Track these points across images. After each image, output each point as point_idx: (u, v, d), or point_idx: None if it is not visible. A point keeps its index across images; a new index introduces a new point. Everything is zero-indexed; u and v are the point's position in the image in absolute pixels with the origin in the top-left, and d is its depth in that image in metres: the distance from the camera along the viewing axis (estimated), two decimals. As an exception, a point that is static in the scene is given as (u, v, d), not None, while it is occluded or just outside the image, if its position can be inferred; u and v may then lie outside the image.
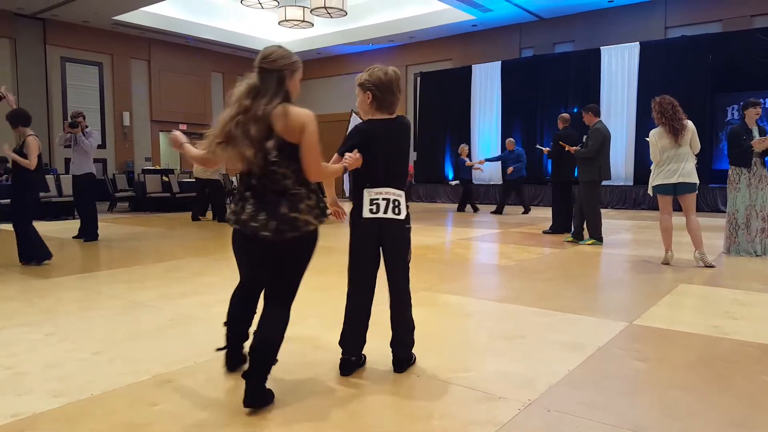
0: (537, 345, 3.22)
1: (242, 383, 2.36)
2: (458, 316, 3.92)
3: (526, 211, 11.89)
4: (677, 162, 5.53)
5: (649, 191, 5.76)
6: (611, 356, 3.04)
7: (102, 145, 15.71)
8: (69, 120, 7.83)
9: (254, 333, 2.40)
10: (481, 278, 5.35)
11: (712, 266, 5.59)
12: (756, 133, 6.13)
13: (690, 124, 5.58)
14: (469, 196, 12.83)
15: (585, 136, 7.28)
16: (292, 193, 2.34)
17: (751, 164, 6.16)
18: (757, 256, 6.17)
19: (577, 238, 7.42)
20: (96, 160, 15.32)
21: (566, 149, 7.42)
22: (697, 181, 5.62)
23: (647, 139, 6.50)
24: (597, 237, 7.27)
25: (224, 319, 2.75)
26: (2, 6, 13.01)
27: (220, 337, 3.30)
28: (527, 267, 5.74)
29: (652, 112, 5.68)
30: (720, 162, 12.05)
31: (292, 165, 2.34)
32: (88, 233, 7.82)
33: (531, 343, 3.25)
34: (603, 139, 7.00)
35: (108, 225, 10.21)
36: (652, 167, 5.74)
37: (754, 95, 11.49)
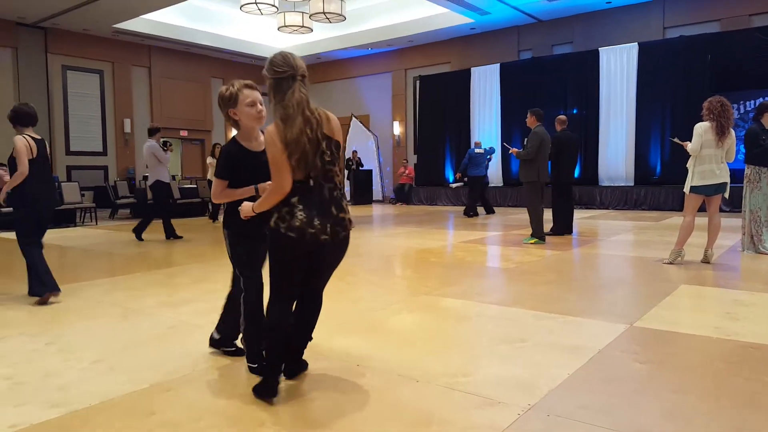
0: (537, 348, 3.20)
1: (241, 391, 2.36)
2: (459, 320, 3.90)
3: (470, 213, 11.92)
4: (716, 163, 5.55)
5: (686, 190, 5.73)
6: (612, 359, 3.02)
7: (103, 152, 15.76)
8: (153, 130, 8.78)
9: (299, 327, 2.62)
10: (481, 281, 5.33)
11: (707, 262, 5.75)
12: None
13: (733, 133, 5.62)
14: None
15: (525, 139, 7.71)
16: (342, 193, 2.53)
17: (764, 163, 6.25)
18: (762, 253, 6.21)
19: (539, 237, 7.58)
20: (97, 167, 15.49)
21: (510, 151, 8.00)
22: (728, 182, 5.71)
23: (672, 139, 6.59)
24: (539, 236, 7.49)
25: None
26: (4, 15, 13.07)
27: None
28: (528, 269, 5.72)
29: (702, 111, 5.69)
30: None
31: (338, 163, 2.51)
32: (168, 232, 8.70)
33: (531, 347, 3.24)
34: (541, 142, 7.35)
35: (109, 232, 10.23)
36: (689, 163, 5.71)
37: (753, 94, 11.59)
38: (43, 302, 4.52)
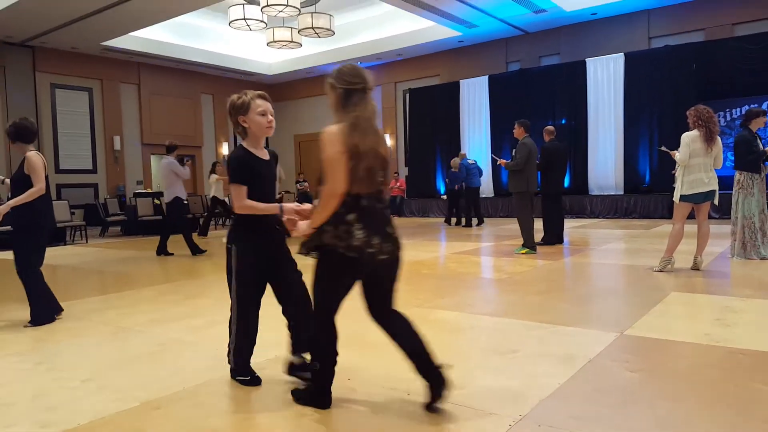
0: (528, 359, 3.21)
1: (233, 409, 2.43)
2: (451, 332, 3.90)
3: (470, 224, 12.14)
4: (705, 171, 5.58)
5: (675, 199, 5.75)
6: (602, 368, 3.03)
7: (93, 170, 15.70)
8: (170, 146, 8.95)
9: (410, 342, 2.55)
10: (474, 293, 5.33)
11: (697, 269, 5.79)
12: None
13: (720, 140, 5.67)
14: (458, 210, 12.84)
15: (514, 150, 7.83)
16: (389, 212, 2.54)
17: (761, 169, 6.32)
18: (764, 259, 6.27)
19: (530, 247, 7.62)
20: (87, 185, 15.42)
21: (498, 163, 8.18)
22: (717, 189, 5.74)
23: (660, 148, 6.64)
24: (530, 246, 7.54)
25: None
26: (-9, 35, 13.06)
27: (210, 361, 3.28)
28: (519, 280, 5.74)
29: (687, 119, 5.73)
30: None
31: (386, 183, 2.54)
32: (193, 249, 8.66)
33: (523, 358, 3.24)
34: (529, 152, 7.42)
35: (99, 250, 10.16)
36: (677, 171, 5.75)
37: (739, 102, 11.75)
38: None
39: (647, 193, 13.01)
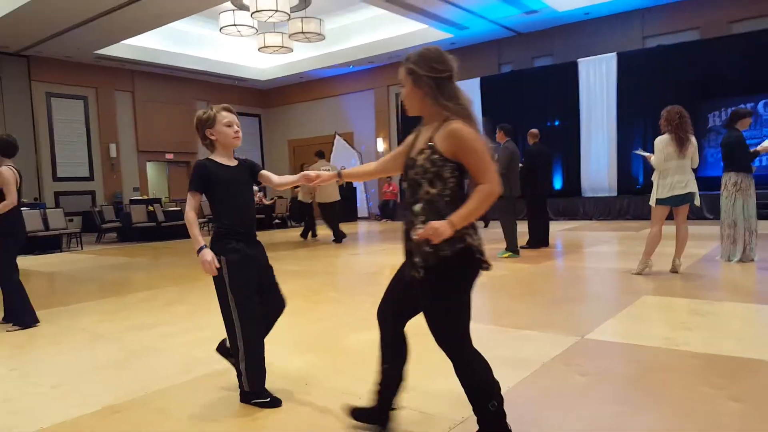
0: (485, 363, 3.27)
1: (189, 413, 2.59)
2: (415, 336, 3.91)
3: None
4: (681, 174, 5.58)
5: (652, 203, 5.78)
6: (554, 372, 3.09)
7: (90, 177, 15.83)
8: None
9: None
10: (449, 297, 5.38)
11: (675, 272, 5.81)
12: None
13: (694, 139, 5.65)
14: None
15: (496, 154, 7.84)
16: None
17: (751, 170, 6.27)
18: (752, 261, 6.25)
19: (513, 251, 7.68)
20: (84, 192, 15.56)
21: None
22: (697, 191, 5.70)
23: (636, 152, 6.65)
24: (513, 250, 7.61)
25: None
26: (-14, 45, 13.21)
27: (176, 367, 3.36)
28: (496, 284, 5.80)
29: (660, 120, 5.71)
30: (705, 169, 12.06)
31: None
32: None
33: (480, 361, 3.30)
34: (510, 156, 7.50)
35: (93, 257, 10.27)
36: (654, 176, 5.76)
37: (734, 101, 11.72)
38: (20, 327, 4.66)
39: (641, 194, 13.00)
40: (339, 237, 10.73)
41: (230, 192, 2.78)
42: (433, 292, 2.07)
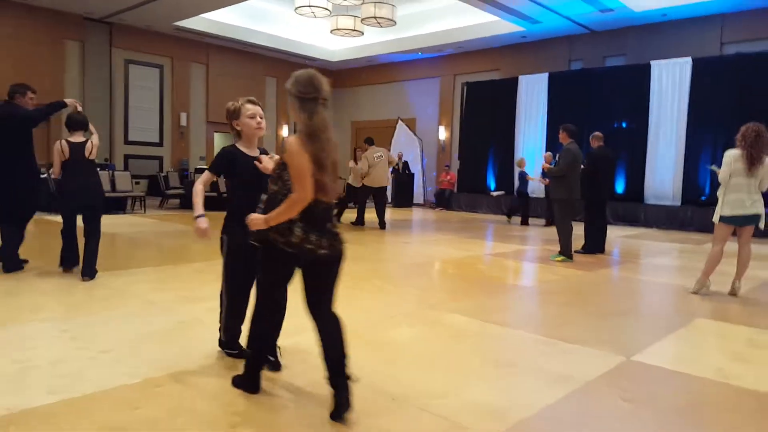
0: (523, 375, 3.20)
1: (223, 392, 2.71)
2: (457, 338, 3.91)
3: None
4: (747, 192, 5.35)
5: (715, 219, 5.55)
6: (596, 393, 2.99)
7: (159, 143, 16.45)
8: None
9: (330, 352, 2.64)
10: (493, 299, 5.26)
11: (734, 295, 5.53)
12: None
13: (767, 160, 5.38)
14: (526, 209, 12.80)
15: (557, 155, 7.67)
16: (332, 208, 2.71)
17: None
18: None
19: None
20: (152, 157, 16.19)
21: (542, 167, 8.29)
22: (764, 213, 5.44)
23: (709, 166, 6.30)
24: (567, 254, 7.40)
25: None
26: (73, 10, 13.82)
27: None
28: (545, 289, 5.66)
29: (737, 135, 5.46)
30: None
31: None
32: None
33: (518, 372, 3.24)
34: (573, 158, 7.27)
35: (154, 222, 10.68)
36: (719, 191, 5.53)
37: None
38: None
39: (706, 206, 12.37)
40: (359, 221, 10.97)
41: (245, 178, 3.10)
42: (258, 262, 2.71)
